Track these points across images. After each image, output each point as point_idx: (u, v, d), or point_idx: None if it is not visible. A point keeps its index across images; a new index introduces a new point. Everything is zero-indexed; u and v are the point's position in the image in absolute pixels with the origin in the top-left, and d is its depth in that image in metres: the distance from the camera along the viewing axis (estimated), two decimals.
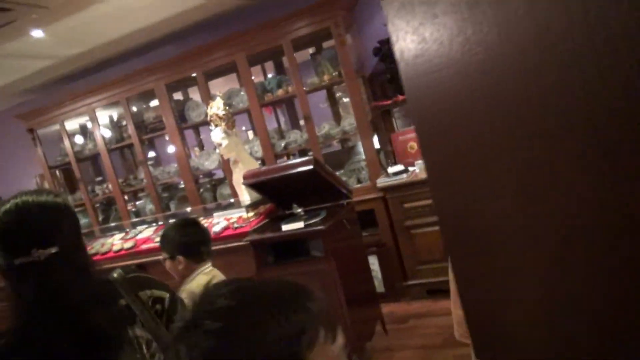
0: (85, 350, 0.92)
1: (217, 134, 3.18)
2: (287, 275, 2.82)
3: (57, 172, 5.28)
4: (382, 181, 3.55)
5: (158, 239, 3.48)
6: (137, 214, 4.94)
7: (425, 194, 3.37)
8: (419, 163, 3.58)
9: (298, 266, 2.79)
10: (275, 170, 2.90)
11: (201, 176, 4.68)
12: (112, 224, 4.86)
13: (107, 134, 4.85)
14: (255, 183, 2.93)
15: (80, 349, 0.92)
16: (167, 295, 1.13)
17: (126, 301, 1.03)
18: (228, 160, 3.42)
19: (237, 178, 3.25)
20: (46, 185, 5.23)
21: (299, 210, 2.96)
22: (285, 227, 2.79)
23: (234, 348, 0.58)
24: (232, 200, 4.11)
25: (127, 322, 1.01)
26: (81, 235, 1.04)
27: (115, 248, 3.45)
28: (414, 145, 3.79)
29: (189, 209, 4.34)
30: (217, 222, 3.27)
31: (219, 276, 2.03)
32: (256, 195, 3.18)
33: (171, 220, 3.98)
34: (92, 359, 0.94)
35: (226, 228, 3.11)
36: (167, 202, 4.80)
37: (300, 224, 2.76)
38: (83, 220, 5.01)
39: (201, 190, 4.54)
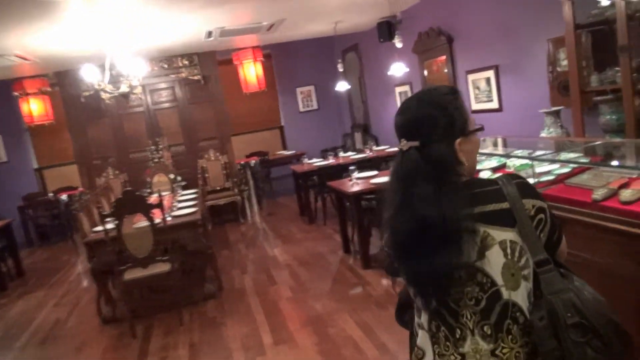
0: (420, 231, 1.09)
1: None
2: None
3: (583, 35, 3.48)
4: None
5: None
6: None
7: None
8: None
9: None
10: None
11: None
12: None
13: None
14: None
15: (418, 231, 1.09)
16: (546, 206, 1.13)
17: (507, 205, 1.09)
18: None
19: None
20: (560, 55, 3.57)
21: None
22: None
23: None
24: None
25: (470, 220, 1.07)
26: (451, 139, 1.14)
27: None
28: None
29: None
30: None
31: None
32: None
33: None
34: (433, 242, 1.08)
35: None
36: None
37: None
38: (612, 116, 3.15)
39: None
